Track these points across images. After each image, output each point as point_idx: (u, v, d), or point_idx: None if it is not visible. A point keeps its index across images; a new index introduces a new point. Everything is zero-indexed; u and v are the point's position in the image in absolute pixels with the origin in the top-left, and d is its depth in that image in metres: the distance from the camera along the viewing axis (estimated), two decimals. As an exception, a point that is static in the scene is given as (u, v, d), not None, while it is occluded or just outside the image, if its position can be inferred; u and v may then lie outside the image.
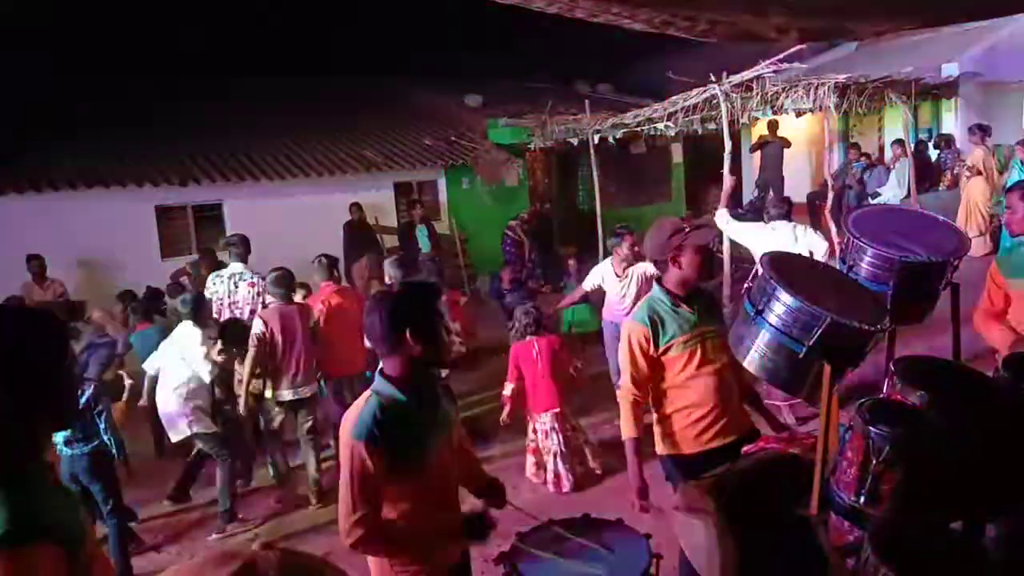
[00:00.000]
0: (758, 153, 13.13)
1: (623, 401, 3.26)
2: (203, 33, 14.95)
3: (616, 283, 6.54)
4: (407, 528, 2.41)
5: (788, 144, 12.69)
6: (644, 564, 2.56)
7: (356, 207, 11.64)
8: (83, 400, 4.67)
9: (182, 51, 14.39)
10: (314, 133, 13.30)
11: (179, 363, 5.55)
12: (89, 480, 4.78)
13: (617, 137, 11.85)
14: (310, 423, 5.89)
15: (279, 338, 5.72)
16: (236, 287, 6.74)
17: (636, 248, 6.35)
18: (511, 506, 2.79)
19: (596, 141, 11.71)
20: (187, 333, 5.61)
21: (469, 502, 2.75)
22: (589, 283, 6.88)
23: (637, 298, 5.87)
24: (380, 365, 2.48)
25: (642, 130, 11.32)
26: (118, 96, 12.77)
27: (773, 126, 12.55)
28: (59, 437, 4.70)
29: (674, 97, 10.20)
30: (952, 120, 13.18)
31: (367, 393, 2.43)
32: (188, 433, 5.51)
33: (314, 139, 13.16)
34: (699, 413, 3.20)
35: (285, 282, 5.90)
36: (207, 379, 5.54)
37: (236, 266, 6.84)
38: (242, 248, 6.88)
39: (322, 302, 6.21)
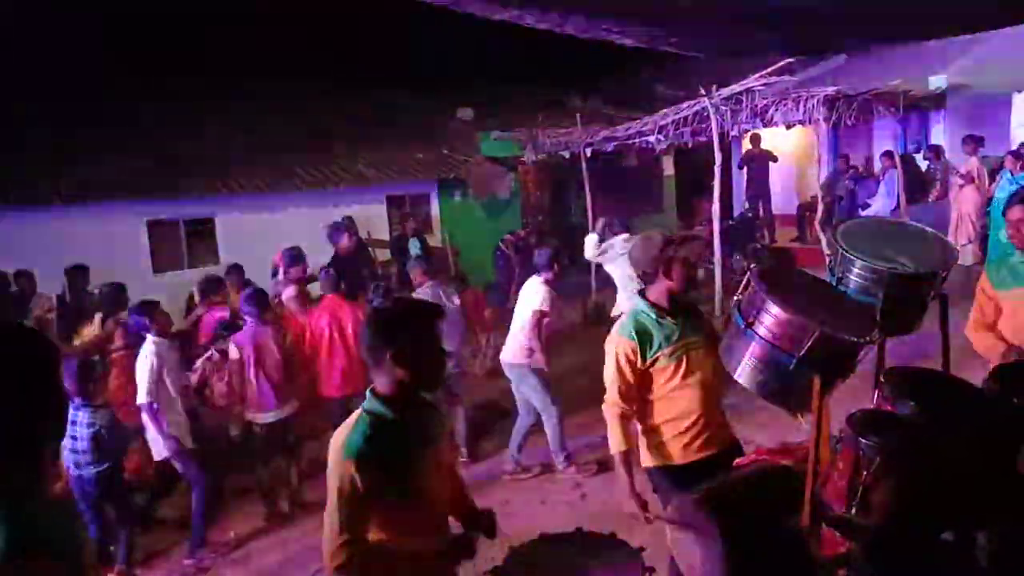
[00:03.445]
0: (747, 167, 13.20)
1: (610, 416, 3.25)
2: (195, 46, 14.95)
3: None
4: (394, 550, 2.36)
5: (775, 158, 12.77)
6: (637, 577, 2.56)
7: (348, 221, 11.62)
8: (97, 430, 4.73)
9: (174, 64, 14.38)
10: (306, 146, 13.31)
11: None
12: (102, 499, 4.86)
13: (608, 150, 11.90)
14: (289, 442, 5.84)
15: (252, 360, 5.58)
16: None
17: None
18: (502, 536, 2.74)
19: (588, 154, 11.77)
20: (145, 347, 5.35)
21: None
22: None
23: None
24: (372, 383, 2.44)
25: (633, 143, 11.38)
26: (109, 109, 12.75)
27: (756, 140, 12.63)
28: (70, 459, 4.75)
29: (665, 110, 10.28)
30: (941, 131, 13.27)
31: (358, 411, 2.39)
32: (168, 453, 5.26)
33: (306, 152, 13.16)
34: (685, 424, 3.23)
35: (257, 301, 5.74)
36: (173, 393, 5.31)
37: None
38: None
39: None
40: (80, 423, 4.74)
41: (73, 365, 4.73)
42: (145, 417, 5.20)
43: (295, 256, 6.82)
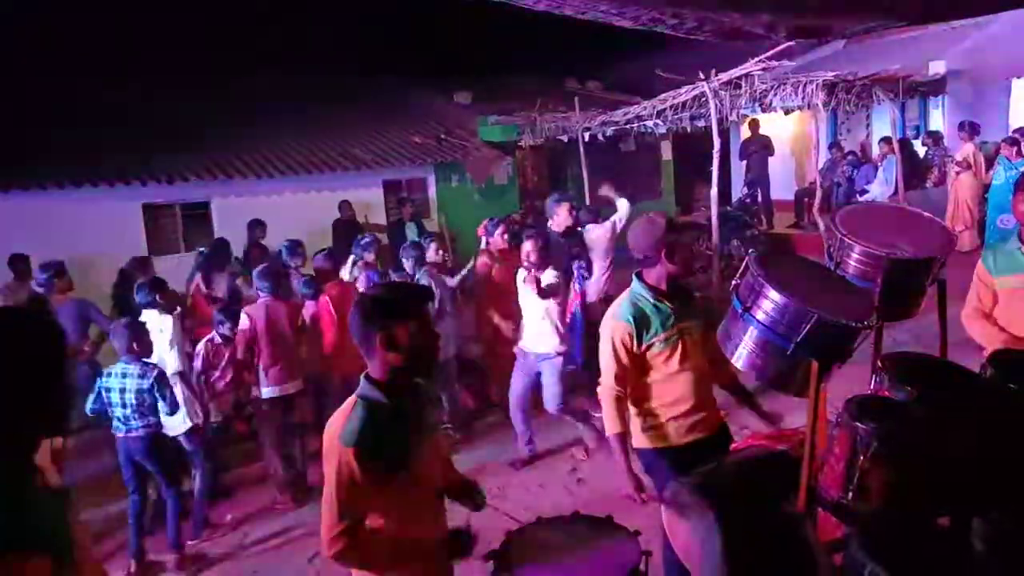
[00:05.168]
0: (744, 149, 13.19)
1: (606, 399, 3.26)
2: (190, 31, 14.85)
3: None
4: (391, 537, 2.35)
5: (772, 152, 12.76)
6: (634, 561, 2.57)
7: (346, 205, 11.61)
8: (147, 384, 4.80)
9: (170, 49, 14.29)
10: (303, 131, 13.24)
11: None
12: (145, 460, 4.94)
13: (606, 134, 11.86)
14: (294, 419, 5.89)
15: (264, 333, 5.72)
16: None
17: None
18: (495, 509, 2.75)
19: (586, 138, 11.72)
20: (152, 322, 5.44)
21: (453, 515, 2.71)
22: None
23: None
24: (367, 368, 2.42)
25: (631, 128, 11.34)
26: (105, 93, 12.66)
27: (754, 125, 12.61)
28: (118, 418, 4.85)
29: (663, 95, 10.22)
30: (939, 117, 13.24)
31: (352, 398, 2.36)
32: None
33: (303, 137, 13.10)
34: (680, 408, 3.25)
35: (271, 276, 5.91)
36: (172, 368, 5.36)
37: None
38: None
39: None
40: (131, 376, 4.81)
41: (122, 325, 4.90)
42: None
43: (495, 224, 7.71)
